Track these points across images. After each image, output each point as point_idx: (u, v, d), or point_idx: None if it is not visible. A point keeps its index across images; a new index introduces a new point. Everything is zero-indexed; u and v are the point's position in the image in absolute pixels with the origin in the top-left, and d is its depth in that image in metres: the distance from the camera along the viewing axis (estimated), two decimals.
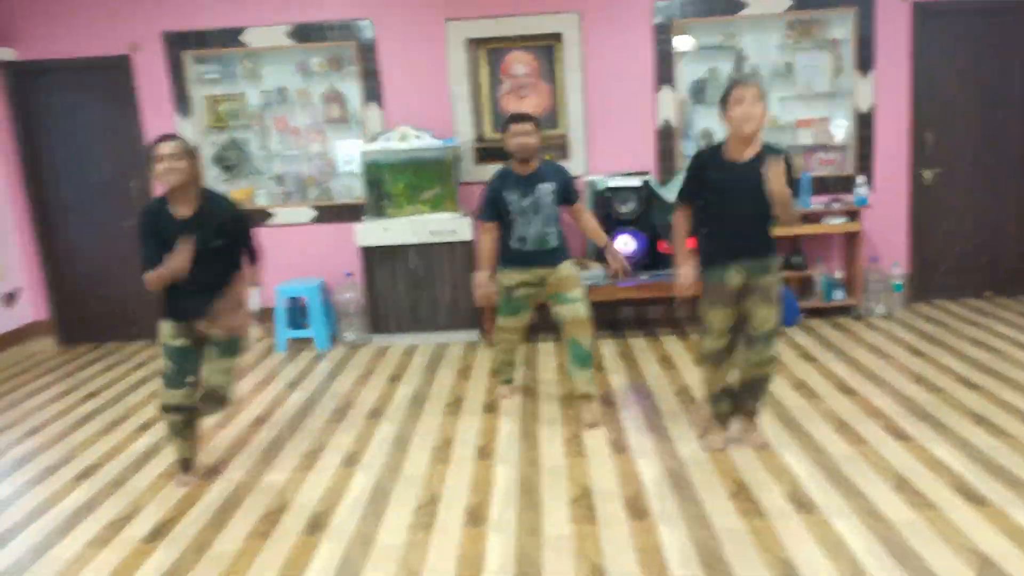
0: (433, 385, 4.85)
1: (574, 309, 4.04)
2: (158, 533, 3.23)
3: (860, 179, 5.69)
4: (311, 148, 6.07)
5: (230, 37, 5.81)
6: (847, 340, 5.26)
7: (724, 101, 3.30)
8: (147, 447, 4.13)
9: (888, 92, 5.78)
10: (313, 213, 6.05)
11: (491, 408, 4.40)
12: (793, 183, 3.30)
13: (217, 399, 3.55)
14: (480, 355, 5.41)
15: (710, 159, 3.39)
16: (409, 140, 5.50)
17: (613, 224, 5.62)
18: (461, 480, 3.53)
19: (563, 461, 3.65)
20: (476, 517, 3.19)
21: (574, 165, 5.92)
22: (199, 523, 3.30)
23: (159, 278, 3.28)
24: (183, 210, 3.33)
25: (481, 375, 4.98)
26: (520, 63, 5.93)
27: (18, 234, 6.15)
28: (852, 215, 5.68)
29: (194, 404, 3.52)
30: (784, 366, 4.75)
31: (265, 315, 6.06)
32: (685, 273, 3.56)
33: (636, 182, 5.58)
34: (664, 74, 5.80)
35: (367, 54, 5.83)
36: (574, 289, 4.07)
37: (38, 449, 4.21)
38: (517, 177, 4.04)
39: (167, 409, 3.51)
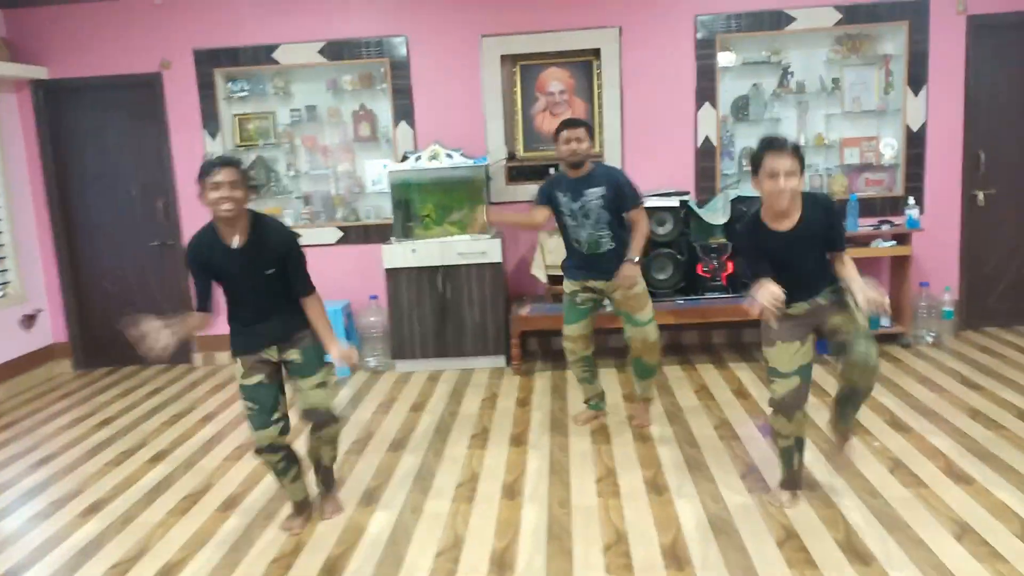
0: (458, 414, 4.65)
1: (643, 332, 4.09)
2: (166, 574, 3.07)
3: (911, 201, 5.40)
4: (339, 167, 5.94)
5: (262, 54, 5.71)
6: (896, 370, 4.96)
7: (755, 163, 3.02)
8: (158, 480, 3.98)
9: (940, 109, 5.50)
10: (339, 234, 5.91)
11: (518, 440, 4.19)
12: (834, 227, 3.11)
13: (321, 420, 3.29)
14: (507, 382, 5.20)
15: (758, 230, 3.10)
16: (440, 159, 5.34)
17: (649, 245, 5.40)
18: (486, 521, 3.32)
19: (595, 501, 3.42)
20: (502, 564, 2.98)
21: None
22: (209, 565, 3.12)
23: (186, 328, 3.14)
24: (234, 239, 3.09)
25: (508, 404, 4.78)
26: (556, 80, 5.76)
27: (42, 254, 6.09)
28: (901, 238, 5.39)
29: (286, 442, 3.30)
30: (830, 398, 4.47)
31: None
32: (765, 291, 2.98)
33: (674, 202, 5.36)
34: (705, 90, 5.58)
35: (399, 71, 5.69)
36: (643, 310, 4.08)
37: (48, 480, 4.08)
38: (569, 180, 4.00)
39: (260, 451, 3.27)
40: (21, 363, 5.86)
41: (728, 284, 5.41)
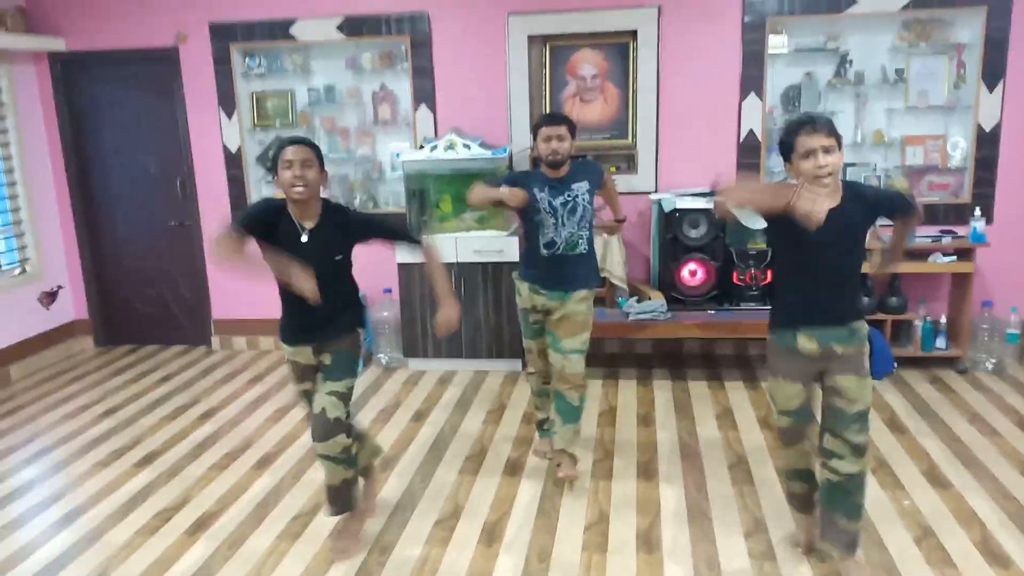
0: (460, 428, 4.39)
1: (570, 363, 3.62)
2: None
3: (976, 211, 4.82)
4: (359, 151, 5.65)
5: (279, 29, 5.42)
6: (946, 402, 4.48)
7: (786, 148, 2.65)
8: (142, 486, 3.84)
9: (1019, 107, 4.87)
10: None
11: (515, 468, 3.90)
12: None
13: (319, 430, 2.99)
14: (520, 390, 4.91)
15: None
16: (456, 148, 5.00)
17: (681, 249, 4.98)
18: (456, 572, 3.06)
19: (578, 557, 3.12)
20: None
21: (642, 180, 5.29)
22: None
23: (279, 270, 2.81)
24: (306, 223, 2.94)
25: (515, 417, 4.49)
26: (588, 63, 5.32)
27: (63, 229, 6.01)
28: (964, 253, 4.84)
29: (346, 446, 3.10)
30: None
31: None
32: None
33: (709, 204, 4.91)
34: (752, 79, 5.07)
35: (420, 50, 5.33)
36: (577, 336, 3.62)
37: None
38: (548, 178, 3.62)
39: (318, 455, 3.09)
40: (42, 340, 5.82)
41: (764, 295, 4.96)
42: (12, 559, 3.25)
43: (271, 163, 2.88)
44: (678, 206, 4.94)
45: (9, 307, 5.57)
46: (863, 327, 2.79)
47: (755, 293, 5.00)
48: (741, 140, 5.15)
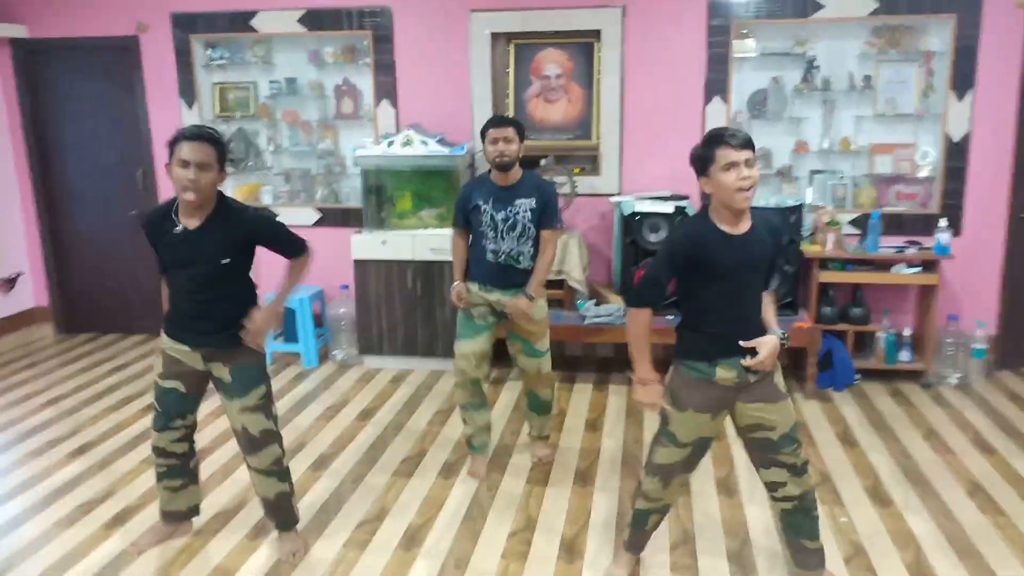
0: (404, 428, 4.29)
1: (537, 363, 3.71)
2: None
3: (941, 223, 4.71)
4: (320, 145, 5.57)
5: (240, 21, 5.35)
6: (903, 416, 4.36)
7: (703, 160, 2.51)
8: (70, 477, 3.75)
9: (989, 117, 4.77)
10: (317, 215, 5.56)
11: (450, 471, 3.80)
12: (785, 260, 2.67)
13: (249, 446, 2.95)
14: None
15: (706, 234, 2.55)
16: (413, 144, 4.91)
17: (640, 254, 4.88)
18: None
19: (495, 565, 3.02)
20: None
21: (605, 182, 5.19)
22: None
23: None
24: (188, 219, 2.78)
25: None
26: (553, 62, 5.23)
27: (24, 216, 5.95)
28: (930, 265, 4.73)
29: (180, 451, 3.03)
30: (809, 450, 3.94)
31: None
32: (649, 391, 2.70)
33: (668, 208, 4.81)
34: (716, 83, 4.97)
35: (383, 45, 5.25)
36: (541, 339, 3.69)
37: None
38: (494, 187, 3.55)
39: (154, 451, 3.04)
40: (1, 325, 5.75)
41: None
42: None
43: (169, 150, 2.72)
44: (638, 209, 4.84)
45: None
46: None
47: None
48: None
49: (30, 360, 5.54)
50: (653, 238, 4.87)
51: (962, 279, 4.96)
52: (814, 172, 5.07)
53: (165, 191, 5.69)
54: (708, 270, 2.55)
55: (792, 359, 4.96)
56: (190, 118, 5.53)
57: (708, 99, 5.00)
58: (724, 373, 2.59)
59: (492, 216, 3.51)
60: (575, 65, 5.20)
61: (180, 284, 2.87)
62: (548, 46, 5.21)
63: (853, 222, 4.97)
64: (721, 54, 4.93)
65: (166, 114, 5.58)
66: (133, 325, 6.04)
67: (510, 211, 3.51)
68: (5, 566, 3.05)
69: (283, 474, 3.07)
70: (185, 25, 5.42)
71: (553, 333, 4.45)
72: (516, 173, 3.53)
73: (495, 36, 5.16)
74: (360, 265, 5.07)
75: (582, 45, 5.17)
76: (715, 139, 2.50)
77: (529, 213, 3.51)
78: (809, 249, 4.77)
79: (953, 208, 4.89)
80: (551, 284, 4.88)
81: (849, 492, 3.54)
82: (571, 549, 3.12)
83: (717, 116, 4.99)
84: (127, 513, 3.43)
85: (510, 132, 3.44)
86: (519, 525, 3.31)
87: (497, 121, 3.50)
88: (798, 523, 2.73)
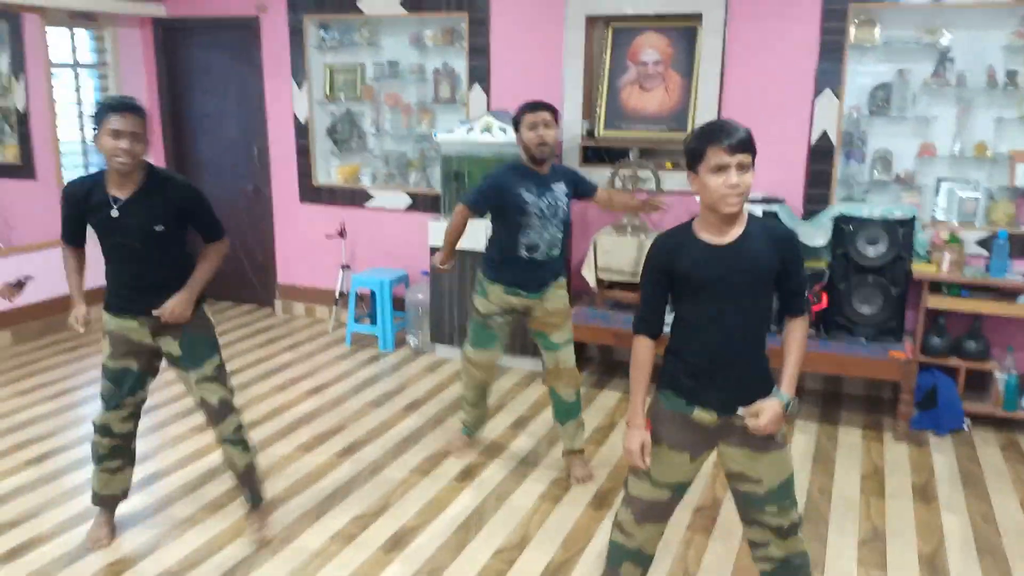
0: (442, 424, 4.21)
1: (560, 357, 3.53)
2: None
3: None
4: (417, 129, 5.56)
5: (348, 2, 5.43)
6: (1007, 474, 3.71)
7: (694, 155, 2.18)
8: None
9: None
10: (408, 200, 5.57)
11: (467, 476, 3.68)
12: (794, 275, 2.29)
13: (213, 416, 3.00)
14: (528, 393, 4.64)
15: (683, 243, 2.25)
16: (492, 131, 4.78)
17: None
18: (338, 572, 2.92)
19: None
20: None
21: None
22: None
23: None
24: (119, 190, 2.81)
25: (504, 422, 4.25)
26: (651, 48, 4.89)
27: None
28: None
29: (124, 431, 3.07)
30: (871, 499, 3.44)
31: (342, 301, 5.75)
32: (635, 436, 2.31)
33: (757, 211, 4.36)
34: (828, 74, 4.43)
35: (478, 28, 5.13)
36: (562, 330, 3.54)
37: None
38: (534, 175, 3.42)
39: (99, 431, 3.04)
40: None
41: (819, 323, 4.36)
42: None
43: (94, 123, 2.74)
44: None
45: None
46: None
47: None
48: (813, 143, 4.53)
49: None
50: None
51: None
52: (941, 180, 4.42)
53: (276, 167, 5.93)
54: (684, 284, 2.24)
55: (886, 390, 4.38)
56: (300, 98, 5.71)
57: (818, 92, 4.47)
58: (702, 414, 2.28)
59: (538, 204, 3.38)
60: (675, 51, 4.83)
61: (118, 255, 2.89)
62: (648, 30, 4.87)
63: (981, 242, 4.28)
64: (836, 42, 4.38)
65: (279, 93, 5.80)
66: (244, 294, 6.38)
67: (552, 197, 3.44)
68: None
69: (246, 444, 3.08)
70: (299, 5, 5.57)
71: (615, 339, 4.25)
72: (550, 163, 3.47)
73: (592, 19, 4.89)
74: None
75: (684, 30, 4.79)
76: (708, 134, 2.16)
77: (565, 198, 3.48)
78: (921, 269, 4.16)
79: None
80: (626, 287, 4.63)
81: (899, 556, 3.06)
82: (556, 572, 2.91)
83: (828, 111, 4.46)
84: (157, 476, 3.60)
85: (548, 116, 3.35)
86: (511, 542, 3.14)
87: (534, 105, 3.39)
88: None
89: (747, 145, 2.15)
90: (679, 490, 2.39)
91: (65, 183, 2.91)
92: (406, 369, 5.02)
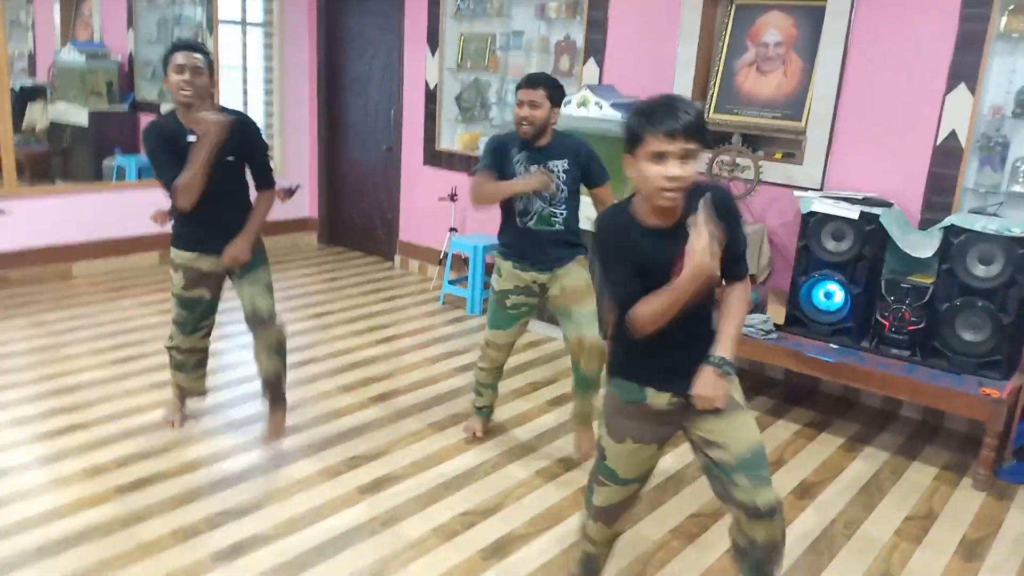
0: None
1: (589, 328, 3.28)
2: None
3: None
4: None
5: None
6: None
7: (632, 136, 1.95)
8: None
9: None
10: None
11: (478, 440, 3.64)
12: (737, 239, 2.09)
13: (260, 322, 3.25)
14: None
15: (624, 224, 2.05)
16: (588, 107, 4.64)
17: (813, 263, 4.07)
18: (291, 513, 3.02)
19: (420, 533, 2.87)
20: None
21: (806, 173, 4.39)
22: None
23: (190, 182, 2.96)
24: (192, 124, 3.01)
25: (545, 396, 4.15)
26: (775, 28, 4.52)
27: (310, 140, 6.89)
28: None
29: (204, 345, 3.47)
30: (913, 546, 2.99)
31: (446, 262, 5.86)
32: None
33: (854, 212, 3.91)
34: (964, 66, 3.86)
35: (598, 1, 5.01)
36: (583, 304, 3.30)
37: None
38: (525, 143, 3.24)
39: (178, 351, 3.41)
40: (278, 227, 6.79)
41: (914, 345, 3.85)
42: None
43: (163, 66, 2.99)
44: (816, 208, 4.02)
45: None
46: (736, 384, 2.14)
47: (900, 339, 3.90)
48: (938, 143, 3.98)
49: (299, 262, 6.49)
50: (832, 246, 4.02)
51: None
52: None
53: (407, 129, 6.17)
54: (636, 265, 2.04)
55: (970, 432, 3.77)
56: (432, 65, 5.87)
57: (951, 87, 3.92)
58: (655, 399, 2.14)
59: (526, 168, 3.21)
60: (799, 33, 4.43)
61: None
62: (773, 9, 4.51)
63: None
64: (977, 31, 3.80)
65: (415, 60, 6.00)
66: (372, 247, 6.72)
67: (543, 168, 3.20)
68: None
69: (284, 354, 3.36)
70: None
71: None
72: (548, 137, 3.22)
73: None
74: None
75: (812, 10, 4.37)
76: (648, 114, 1.92)
77: (563, 175, 3.21)
78: None
79: None
80: None
81: None
82: (501, 549, 2.83)
83: (959, 109, 3.89)
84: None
85: (540, 95, 3.11)
86: (478, 507, 3.08)
87: (528, 80, 3.16)
88: (745, 571, 2.19)
89: (694, 131, 1.90)
90: (644, 478, 2.30)
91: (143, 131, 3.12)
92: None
